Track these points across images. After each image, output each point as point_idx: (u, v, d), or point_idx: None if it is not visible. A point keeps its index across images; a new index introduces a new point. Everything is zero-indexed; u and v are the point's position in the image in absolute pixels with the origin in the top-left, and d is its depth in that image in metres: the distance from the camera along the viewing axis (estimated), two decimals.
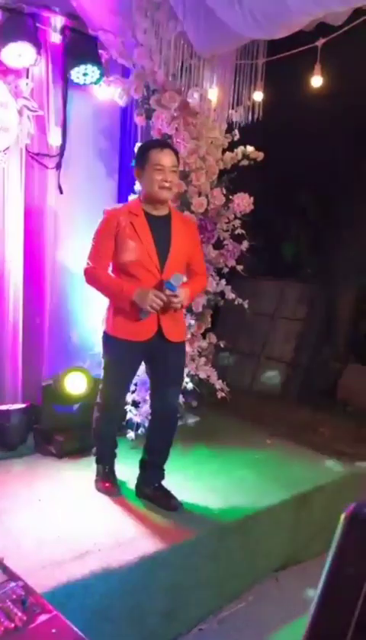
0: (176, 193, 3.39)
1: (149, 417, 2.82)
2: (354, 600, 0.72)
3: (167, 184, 2.45)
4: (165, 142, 2.70)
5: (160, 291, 2.41)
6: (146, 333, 2.49)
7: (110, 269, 2.55)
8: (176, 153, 2.54)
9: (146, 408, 3.24)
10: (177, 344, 2.60)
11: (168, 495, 2.65)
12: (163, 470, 2.72)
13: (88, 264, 2.54)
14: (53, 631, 1.37)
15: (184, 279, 2.51)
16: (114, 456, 2.81)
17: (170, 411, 2.71)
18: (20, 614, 1.38)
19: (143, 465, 2.73)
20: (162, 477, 2.72)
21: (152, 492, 2.68)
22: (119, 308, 2.51)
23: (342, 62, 3.41)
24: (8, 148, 3.18)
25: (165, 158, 2.45)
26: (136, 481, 2.74)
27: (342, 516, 0.78)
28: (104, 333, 2.62)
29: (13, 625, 1.35)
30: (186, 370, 3.49)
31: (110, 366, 2.64)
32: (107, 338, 2.60)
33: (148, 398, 3.01)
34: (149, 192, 2.49)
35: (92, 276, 2.53)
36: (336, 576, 0.74)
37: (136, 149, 2.69)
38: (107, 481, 2.73)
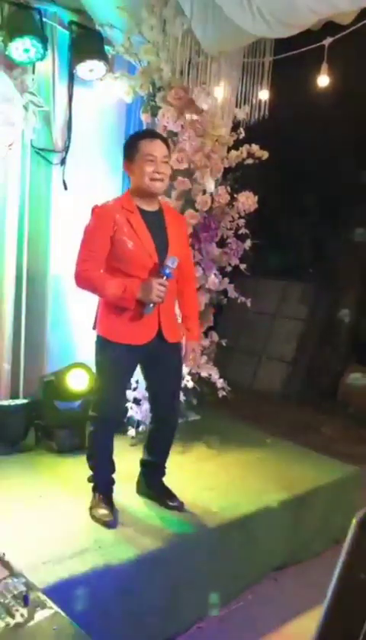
0: (180, 191, 3.40)
1: (150, 419, 2.72)
2: (365, 606, 0.71)
3: (159, 176, 2.33)
4: (154, 132, 2.56)
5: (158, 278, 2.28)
6: (147, 335, 2.37)
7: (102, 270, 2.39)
8: (167, 143, 2.42)
9: (146, 405, 3.23)
10: (175, 344, 2.49)
11: (168, 494, 2.64)
12: (164, 468, 2.70)
13: (79, 266, 2.34)
14: (54, 627, 1.37)
15: (178, 259, 2.34)
16: (112, 482, 2.56)
17: (172, 413, 2.65)
18: (21, 610, 1.38)
19: (144, 463, 2.71)
20: (163, 474, 2.70)
21: (152, 490, 2.67)
22: (115, 309, 2.34)
23: (349, 62, 3.40)
24: (13, 143, 3.18)
25: (157, 149, 2.33)
26: (136, 479, 2.73)
27: (353, 522, 0.77)
28: (99, 337, 2.43)
29: (14, 620, 1.35)
30: (187, 369, 3.49)
31: (108, 373, 2.45)
32: (104, 343, 2.41)
33: (147, 395, 3.00)
34: (140, 185, 2.35)
35: (87, 279, 2.34)
36: (347, 581, 0.74)
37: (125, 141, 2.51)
38: (104, 509, 2.45)
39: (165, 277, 2.29)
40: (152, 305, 2.29)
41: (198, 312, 2.67)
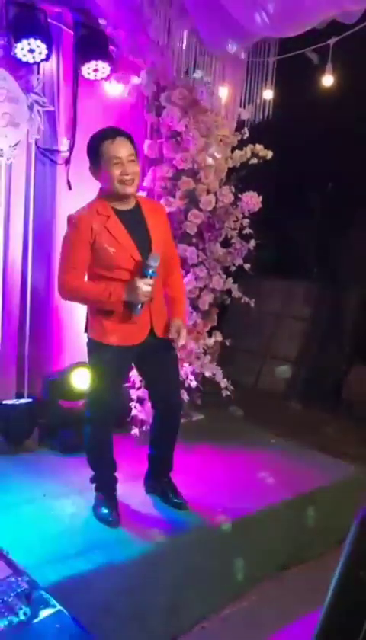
0: (184, 190, 3.40)
1: (153, 414, 2.73)
2: (365, 605, 0.72)
3: (128, 177, 2.24)
4: (116, 131, 2.35)
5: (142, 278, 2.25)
6: (140, 335, 2.35)
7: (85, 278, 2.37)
8: (131, 139, 2.31)
9: (149, 404, 3.23)
10: (168, 339, 2.45)
11: (173, 490, 2.65)
12: (170, 462, 2.70)
13: (61, 278, 2.32)
14: (57, 625, 1.38)
15: (158, 258, 2.29)
16: (115, 481, 2.55)
17: (174, 407, 2.64)
18: (24, 608, 1.39)
19: (151, 459, 2.72)
20: (170, 469, 2.69)
21: (158, 485, 2.68)
22: (106, 313, 2.32)
23: (354, 61, 3.39)
24: (18, 143, 3.18)
25: (120, 149, 2.23)
26: (144, 476, 2.74)
27: (355, 520, 0.77)
28: (91, 340, 2.41)
29: (17, 619, 1.36)
30: (191, 368, 3.49)
31: (102, 375, 2.42)
32: (96, 346, 2.39)
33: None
34: (111, 189, 2.28)
35: (71, 290, 2.32)
36: (347, 580, 0.74)
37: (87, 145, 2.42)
38: (107, 508, 2.46)
39: (149, 277, 2.26)
40: (139, 306, 2.27)
41: (184, 295, 2.61)
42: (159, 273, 2.34)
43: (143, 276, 2.25)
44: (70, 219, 2.34)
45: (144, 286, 2.23)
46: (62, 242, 2.35)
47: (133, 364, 2.56)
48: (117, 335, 2.33)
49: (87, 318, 2.46)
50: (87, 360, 3.37)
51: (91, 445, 2.54)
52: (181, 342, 2.40)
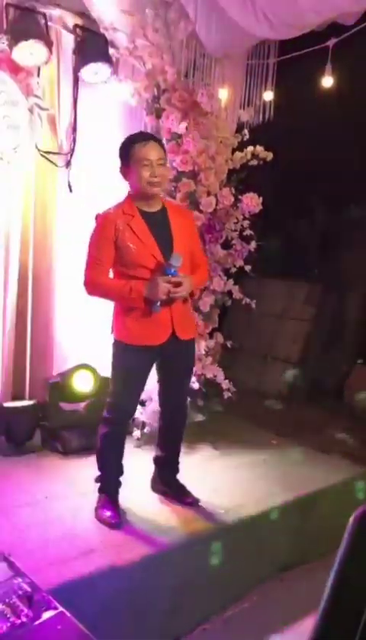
0: (185, 192, 3.40)
1: (159, 414, 2.75)
2: (362, 603, 0.72)
3: (156, 179, 2.33)
4: (148, 135, 2.52)
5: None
6: (161, 335, 2.40)
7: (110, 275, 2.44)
8: (161, 144, 2.42)
9: (151, 406, 3.24)
10: (188, 341, 2.53)
11: (183, 491, 2.67)
12: (177, 464, 2.73)
13: (86, 274, 2.40)
14: (59, 627, 1.38)
15: (180, 258, 2.36)
16: (119, 484, 2.57)
17: (180, 408, 2.70)
18: (26, 610, 1.39)
19: (158, 460, 2.74)
20: (177, 471, 2.73)
21: (168, 487, 2.70)
22: (129, 313, 2.39)
23: (354, 62, 3.40)
24: (18, 145, 3.19)
25: (151, 152, 2.32)
26: (150, 477, 2.76)
27: (351, 518, 0.78)
28: (115, 341, 2.48)
29: (19, 621, 1.36)
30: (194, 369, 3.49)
31: (124, 375, 2.49)
32: (120, 346, 2.45)
33: (152, 396, 3.01)
34: (139, 190, 2.37)
35: (95, 286, 2.41)
36: (344, 578, 0.74)
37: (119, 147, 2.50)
38: (110, 510, 2.47)
39: (169, 276, 2.31)
40: (159, 303, 2.32)
41: (202, 279, 2.63)
42: (187, 270, 2.40)
43: (164, 274, 2.31)
44: (96, 218, 2.43)
45: (164, 283, 2.28)
46: (89, 240, 2.43)
47: (154, 365, 2.59)
48: (140, 335, 2.40)
49: (112, 320, 2.53)
50: (86, 362, 3.45)
51: (104, 446, 2.55)
52: (185, 285, 2.34)
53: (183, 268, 2.37)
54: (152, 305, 2.33)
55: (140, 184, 2.35)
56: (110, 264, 2.39)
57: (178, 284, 2.32)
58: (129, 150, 2.36)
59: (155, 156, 2.34)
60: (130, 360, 2.45)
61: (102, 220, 2.40)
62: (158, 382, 2.66)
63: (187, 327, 2.50)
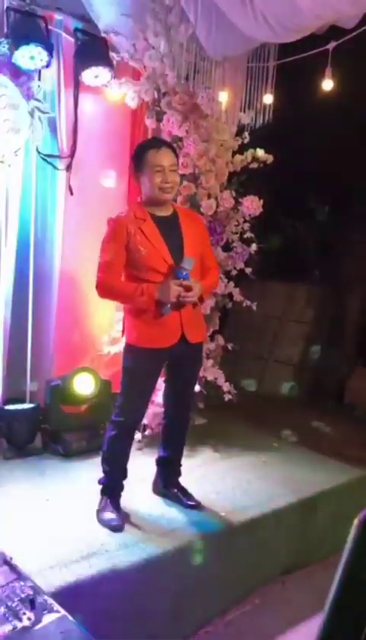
0: (185, 195, 3.41)
1: (163, 414, 2.77)
2: None
3: (168, 185, 2.38)
4: (161, 141, 2.58)
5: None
6: (171, 338, 2.42)
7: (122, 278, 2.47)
8: (174, 150, 2.46)
9: (153, 409, 3.24)
10: (197, 344, 2.55)
11: (185, 493, 2.68)
12: (179, 466, 2.75)
13: (99, 277, 2.42)
14: (61, 631, 1.38)
15: (192, 261, 2.39)
16: (122, 488, 2.58)
17: (184, 410, 2.71)
18: (28, 613, 1.39)
19: (161, 462, 2.75)
20: (179, 474, 2.75)
21: (170, 490, 2.70)
22: (139, 316, 2.41)
23: (354, 66, 3.40)
24: (19, 149, 3.20)
25: (164, 158, 2.37)
26: (153, 479, 2.77)
27: (355, 521, 0.78)
28: (127, 344, 2.51)
29: (21, 624, 1.36)
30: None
31: (134, 378, 2.50)
32: (131, 349, 2.48)
33: (154, 398, 3.01)
34: (151, 195, 2.42)
35: (107, 288, 2.43)
36: (348, 582, 0.74)
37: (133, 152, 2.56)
38: (112, 513, 2.48)
39: (181, 279, 2.34)
40: (168, 305, 2.34)
41: (212, 282, 2.66)
42: (195, 278, 2.42)
43: (176, 277, 2.34)
44: (108, 221, 2.46)
45: (175, 287, 2.31)
46: (101, 243, 2.46)
47: (163, 368, 2.61)
48: (150, 338, 2.42)
49: (123, 324, 2.57)
50: (87, 364, 3.45)
51: (111, 448, 2.56)
52: (196, 290, 2.37)
53: (193, 272, 2.40)
54: (162, 307, 2.35)
55: (152, 190, 2.39)
56: (122, 267, 2.42)
57: (188, 288, 2.35)
58: (142, 156, 2.40)
59: (167, 162, 2.38)
60: (140, 363, 2.47)
61: (114, 224, 2.43)
62: (164, 382, 2.68)
63: (196, 330, 2.52)
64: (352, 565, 0.75)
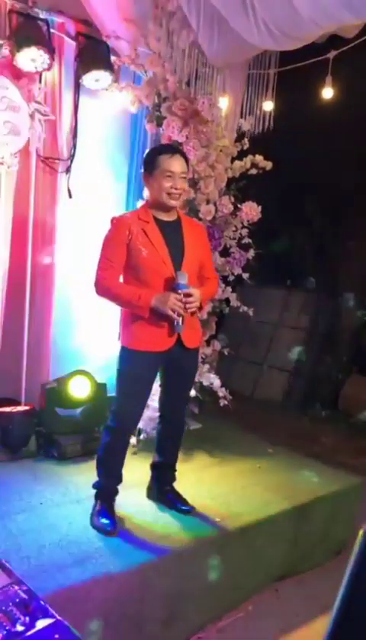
0: (184, 200, 3.41)
1: (158, 418, 2.76)
2: None
3: (176, 192, 2.40)
4: (175, 148, 2.60)
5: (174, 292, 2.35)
6: (166, 342, 2.41)
7: (121, 278, 2.46)
8: (186, 159, 2.49)
9: (148, 413, 3.24)
10: (193, 350, 2.55)
11: (180, 498, 2.67)
12: (174, 471, 2.74)
13: (98, 274, 2.42)
14: (56, 636, 1.36)
15: (186, 276, 2.39)
16: (117, 492, 2.56)
17: (180, 415, 2.71)
18: (23, 618, 1.38)
19: (155, 467, 2.75)
20: (174, 478, 2.74)
21: (164, 495, 2.69)
22: (135, 318, 2.40)
23: (353, 74, 3.43)
24: (19, 151, 3.20)
25: (175, 165, 2.39)
26: (147, 484, 2.76)
27: (361, 531, 0.78)
28: (123, 347, 2.49)
29: (15, 629, 1.35)
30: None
31: (129, 382, 2.48)
32: (126, 352, 2.47)
33: (150, 403, 3.01)
34: (158, 199, 2.43)
35: (105, 287, 2.42)
36: (355, 592, 0.74)
37: (145, 154, 2.60)
38: (106, 517, 2.46)
39: (180, 292, 2.34)
40: (179, 322, 2.35)
41: (211, 292, 2.67)
42: (193, 285, 2.43)
43: (174, 290, 2.35)
44: (112, 220, 2.46)
45: (175, 300, 2.31)
46: (102, 242, 2.45)
47: (158, 372, 2.60)
48: (144, 341, 2.41)
49: (119, 327, 2.55)
50: (83, 367, 3.44)
51: (106, 453, 2.55)
52: (196, 296, 2.38)
53: (191, 280, 2.41)
54: (175, 324, 2.35)
55: (160, 194, 2.40)
56: (122, 265, 2.42)
57: (188, 294, 2.35)
58: (154, 160, 2.41)
59: (179, 169, 2.39)
60: (136, 366, 2.46)
61: (117, 222, 2.44)
62: (160, 386, 2.69)
63: (193, 335, 2.52)
64: (358, 576, 0.75)
